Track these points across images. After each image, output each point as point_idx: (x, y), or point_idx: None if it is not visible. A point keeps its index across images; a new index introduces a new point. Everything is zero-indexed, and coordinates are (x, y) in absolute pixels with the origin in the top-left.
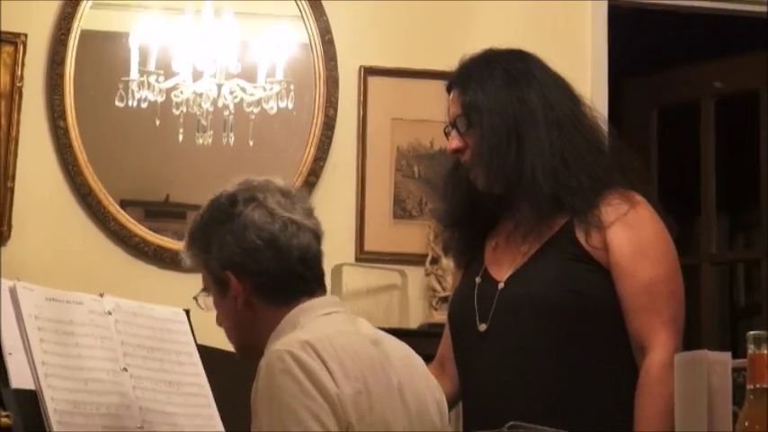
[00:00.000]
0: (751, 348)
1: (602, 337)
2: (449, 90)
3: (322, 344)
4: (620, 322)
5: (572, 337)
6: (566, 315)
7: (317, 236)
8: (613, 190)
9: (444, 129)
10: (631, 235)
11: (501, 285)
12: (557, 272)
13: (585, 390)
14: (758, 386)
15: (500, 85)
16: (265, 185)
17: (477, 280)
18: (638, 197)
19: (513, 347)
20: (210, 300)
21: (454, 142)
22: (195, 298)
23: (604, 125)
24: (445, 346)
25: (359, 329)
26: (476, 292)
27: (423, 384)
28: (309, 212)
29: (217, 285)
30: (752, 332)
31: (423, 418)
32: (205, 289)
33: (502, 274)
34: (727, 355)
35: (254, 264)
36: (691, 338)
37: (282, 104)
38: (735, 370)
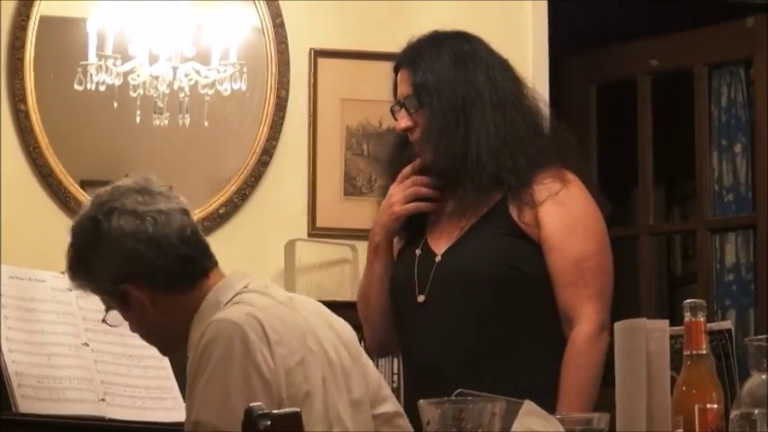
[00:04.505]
0: (687, 316)
1: (533, 309)
2: (396, 69)
3: (264, 315)
4: (550, 295)
5: (503, 309)
6: (497, 287)
7: (185, 212)
8: (546, 169)
9: (391, 107)
10: (562, 212)
11: (438, 258)
12: (490, 246)
13: (515, 359)
14: (694, 352)
15: (449, 67)
16: (116, 192)
17: (418, 252)
18: (571, 176)
19: (448, 318)
20: (118, 315)
21: (403, 122)
22: (104, 320)
23: (545, 106)
24: None
25: (275, 295)
26: (416, 264)
27: (331, 333)
28: (168, 195)
29: (118, 301)
30: (688, 300)
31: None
32: (108, 309)
33: (440, 246)
34: (664, 323)
35: (144, 267)
36: (630, 306)
37: (236, 86)
38: (672, 337)
